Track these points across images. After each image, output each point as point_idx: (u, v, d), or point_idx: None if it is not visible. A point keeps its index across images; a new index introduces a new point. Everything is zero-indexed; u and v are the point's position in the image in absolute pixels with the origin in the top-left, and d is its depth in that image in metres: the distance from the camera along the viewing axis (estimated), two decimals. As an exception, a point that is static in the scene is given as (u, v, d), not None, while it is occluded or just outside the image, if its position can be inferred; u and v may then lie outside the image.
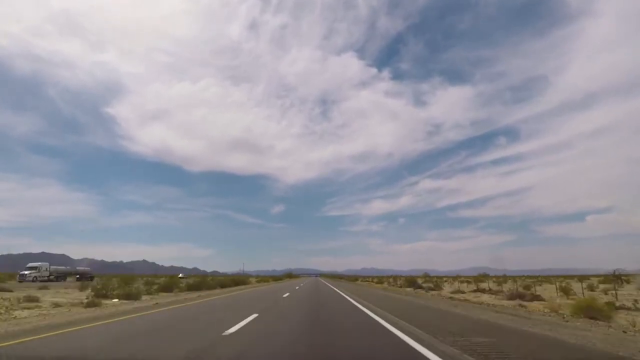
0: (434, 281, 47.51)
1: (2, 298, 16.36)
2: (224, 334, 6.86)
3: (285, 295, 19.46)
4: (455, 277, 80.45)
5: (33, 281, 44.97)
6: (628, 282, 30.00)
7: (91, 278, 51.98)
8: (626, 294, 24.34)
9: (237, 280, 43.87)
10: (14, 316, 10.52)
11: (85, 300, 14.69)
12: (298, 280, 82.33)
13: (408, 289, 32.09)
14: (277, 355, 5.29)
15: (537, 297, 19.65)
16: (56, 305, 14.19)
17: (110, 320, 9.15)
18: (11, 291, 22.29)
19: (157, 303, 15.09)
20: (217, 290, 27.38)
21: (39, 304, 14.34)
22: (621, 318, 11.52)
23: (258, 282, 60.92)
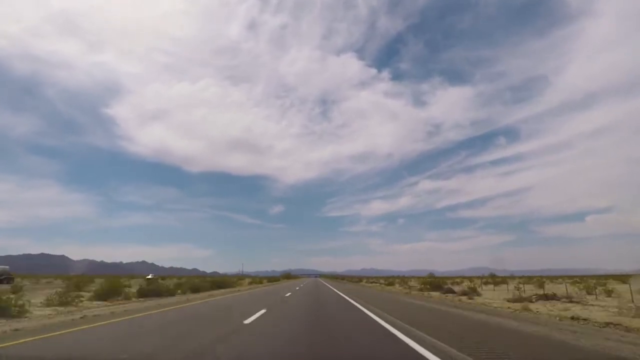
0: (462, 284, 40.06)
1: None
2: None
3: (258, 315, 12.21)
4: (470, 278, 73.15)
5: None
6: None
7: (8, 280, 41.14)
8: None
9: (223, 282, 36.61)
10: None
11: None
12: (296, 281, 74.94)
13: (433, 293, 24.85)
14: None
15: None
16: None
17: None
18: None
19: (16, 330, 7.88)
20: (174, 300, 20.19)
21: None
22: None
23: (249, 284, 53.62)
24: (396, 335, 7.09)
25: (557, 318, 10.81)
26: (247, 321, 9.00)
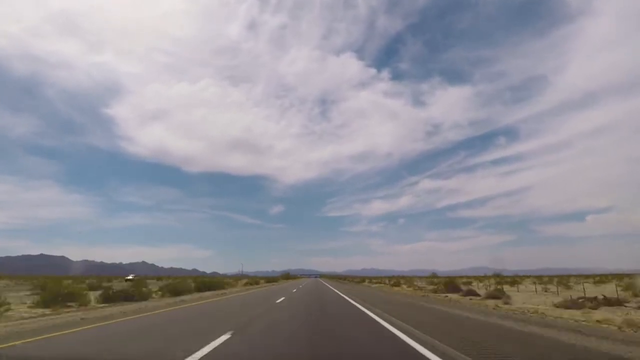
0: (471, 284, 36.23)
1: None
2: None
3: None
4: (479, 278, 69.30)
5: None
6: None
7: None
8: None
9: (212, 283, 32.81)
10: None
11: None
12: (295, 282, 71.08)
13: (452, 295, 21.05)
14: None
15: None
16: None
17: None
18: None
19: None
20: (142, 305, 16.50)
21: None
22: None
23: (244, 284, 49.83)
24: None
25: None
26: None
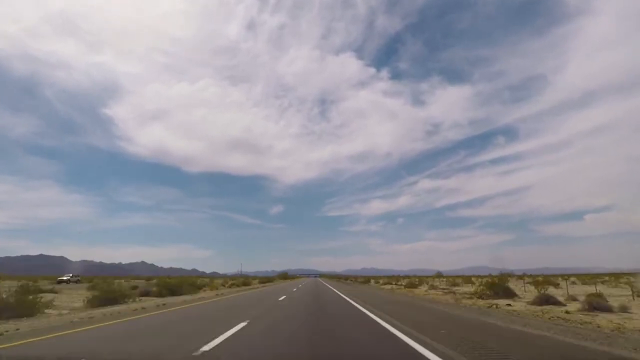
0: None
1: None
2: None
3: None
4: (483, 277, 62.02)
5: None
6: None
7: None
8: None
9: (178, 286, 25.70)
10: None
11: None
12: (293, 282, 63.89)
13: (518, 305, 13.96)
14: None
15: None
16: None
17: None
18: None
19: None
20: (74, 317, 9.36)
21: None
22: None
23: (230, 286, 42.65)
24: None
25: None
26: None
